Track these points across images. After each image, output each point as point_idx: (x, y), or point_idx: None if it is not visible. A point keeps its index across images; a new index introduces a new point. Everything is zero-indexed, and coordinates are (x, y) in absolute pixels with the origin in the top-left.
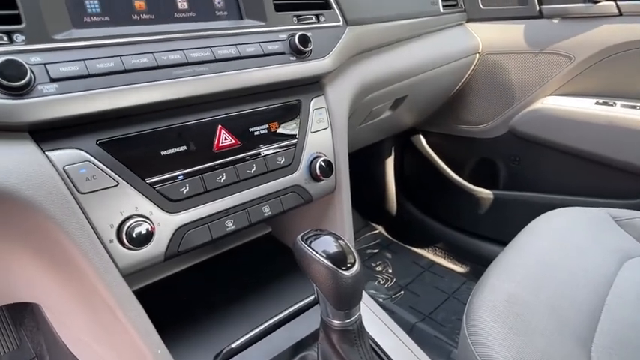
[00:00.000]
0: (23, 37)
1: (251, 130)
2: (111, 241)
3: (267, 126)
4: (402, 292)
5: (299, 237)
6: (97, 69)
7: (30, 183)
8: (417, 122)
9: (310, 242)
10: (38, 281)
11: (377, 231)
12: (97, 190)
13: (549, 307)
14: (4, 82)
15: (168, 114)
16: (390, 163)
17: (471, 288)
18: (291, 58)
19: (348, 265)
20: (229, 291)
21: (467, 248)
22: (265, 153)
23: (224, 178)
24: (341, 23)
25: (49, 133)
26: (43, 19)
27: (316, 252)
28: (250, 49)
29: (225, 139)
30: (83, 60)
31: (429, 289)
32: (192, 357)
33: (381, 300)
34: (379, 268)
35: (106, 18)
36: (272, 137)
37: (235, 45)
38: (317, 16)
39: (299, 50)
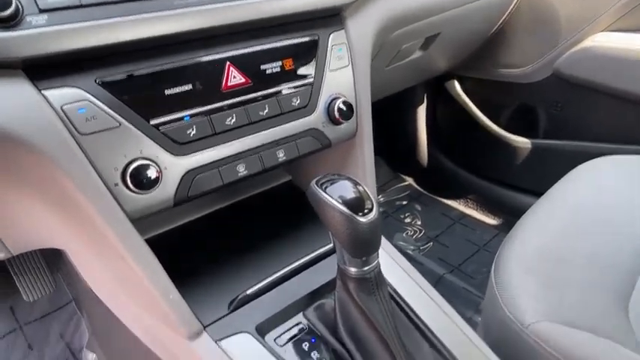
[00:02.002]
0: None
1: (263, 67)
2: (116, 184)
3: (280, 63)
4: (431, 243)
5: (314, 182)
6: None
7: (27, 123)
8: (451, 66)
9: (326, 187)
10: (54, 227)
11: (406, 183)
12: (99, 132)
13: (586, 261)
14: None
15: (171, 50)
16: (421, 112)
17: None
18: None
19: (365, 211)
20: (245, 239)
21: (500, 200)
22: (279, 93)
23: (234, 119)
24: None
25: (44, 70)
26: None
27: (331, 197)
28: None
29: (235, 77)
30: None
31: (459, 241)
32: (207, 303)
33: (409, 252)
34: (408, 220)
35: None
36: (286, 76)
37: None
38: None
39: None
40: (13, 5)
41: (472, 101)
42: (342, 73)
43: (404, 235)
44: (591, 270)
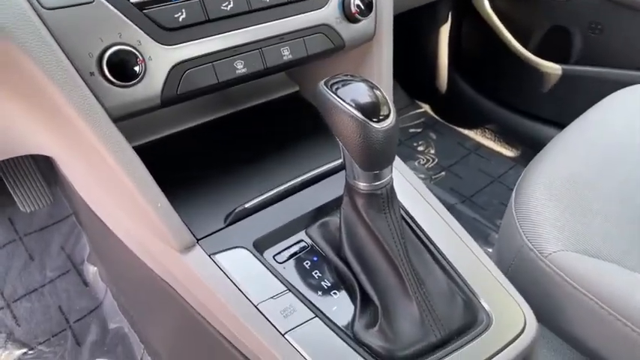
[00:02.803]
0: None
1: None
2: (91, 73)
3: None
4: (444, 173)
5: (322, 82)
6: None
7: None
8: None
9: (337, 89)
10: (36, 130)
11: (422, 110)
12: (67, 7)
13: (616, 190)
14: None
15: None
16: (443, 32)
17: (519, 173)
18: None
19: (381, 117)
20: (246, 152)
21: (521, 130)
22: None
23: (231, 4)
24: None
25: None
26: None
27: (342, 100)
28: None
29: None
30: None
31: (472, 171)
32: (201, 216)
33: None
34: (421, 148)
35: None
36: None
37: None
38: None
39: None
40: None
41: (501, 21)
42: None
43: (416, 163)
44: (620, 200)
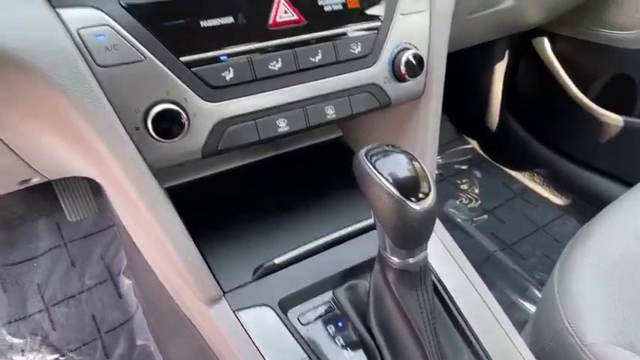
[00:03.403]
0: None
1: (320, 3)
2: (136, 128)
3: (343, 0)
4: (486, 215)
5: (362, 152)
6: None
7: (34, 46)
8: (543, 20)
9: (375, 160)
10: (79, 162)
11: (469, 146)
12: (119, 65)
13: None
14: None
15: None
16: (499, 69)
17: (567, 224)
18: None
19: (420, 195)
20: (282, 199)
21: (572, 178)
22: (337, 37)
23: (279, 64)
24: None
25: None
26: None
27: (380, 174)
28: None
29: (285, 12)
30: None
31: (517, 217)
32: (230, 267)
33: (459, 221)
34: (464, 187)
35: None
36: (348, 16)
37: None
38: None
39: None
40: None
41: (561, 64)
42: (417, 18)
43: (457, 202)
44: None
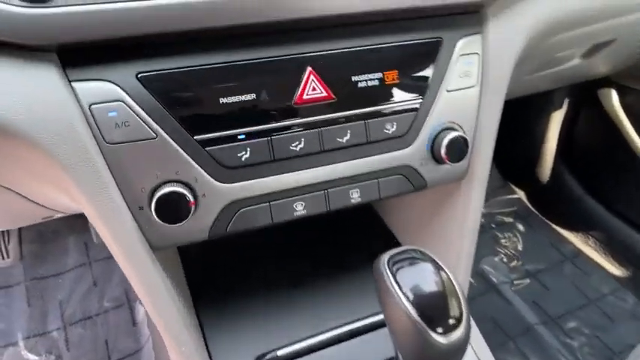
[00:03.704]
0: None
1: (355, 79)
2: (140, 207)
3: (380, 75)
4: (528, 280)
5: (385, 258)
6: None
7: (39, 121)
8: (611, 72)
9: (397, 269)
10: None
11: (515, 196)
12: (129, 142)
13: None
14: None
15: (236, 44)
16: (556, 117)
17: (625, 300)
18: None
19: (449, 323)
20: (294, 270)
21: (634, 247)
22: (370, 116)
23: (301, 145)
24: None
25: (81, 56)
26: None
27: (401, 291)
28: None
29: (314, 88)
30: None
31: (565, 285)
32: (231, 351)
33: (496, 282)
34: (505, 242)
35: None
36: (384, 93)
37: None
38: None
39: None
40: None
41: (629, 118)
42: (465, 95)
43: (496, 259)
44: None
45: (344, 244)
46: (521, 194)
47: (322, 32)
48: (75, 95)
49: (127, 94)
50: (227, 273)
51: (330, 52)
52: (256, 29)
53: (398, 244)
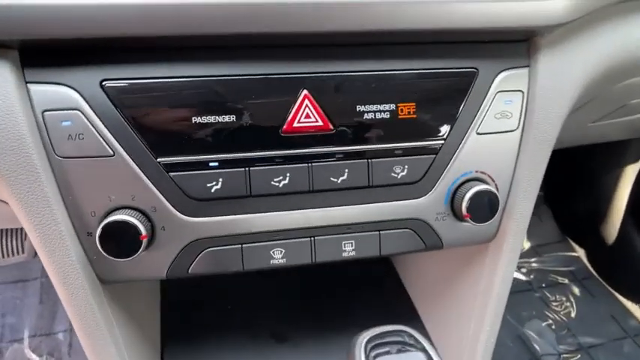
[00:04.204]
0: None
1: (360, 108)
2: (89, 234)
3: (392, 107)
4: (579, 355)
5: (363, 339)
6: None
7: None
8: None
9: (376, 356)
10: None
11: (574, 254)
12: (82, 157)
13: None
14: None
15: (221, 55)
16: (628, 172)
17: None
18: None
19: None
20: (283, 329)
21: None
22: (374, 154)
23: (286, 181)
24: None
25: (43, 56)
26: None
27: None
28: None
29: (308, 115)
30: None
31: None
32: None
33: (539, 351)
34: (557, 306)
35: None
36: (396, 128)
37: None
38: None
39: None
40: None
41: None
42: (500, 140)
43: (543, 324)
44: None
45: (346, 295)
46: (580, 253)
47: (324, 50)
48: (29, 98)
49: (87, 102)
50: (210, 314)
51: (331, 73)
52: (248, 41)
53: (409, 304)
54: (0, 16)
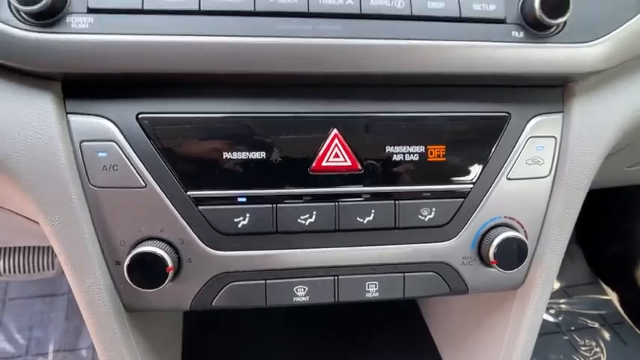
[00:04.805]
0: None
1: (389, 149)
2: (117, 262)
3: (422, 149)
4: None
5: None
6: (159, 3)
7: (22, 152)
8: None
9: None
10: None
11: (606, 297)
12: (115, 188)
13: None
14: (19, 6)
15: (254, 93)
16: None
17: None
18: (517, 34)
19: None
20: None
21: None
22: (402, 195)
23: (312, 219)
24: None
25: (84, 88)
26: None
27: None
28: (435, 4)
29: (337, 155)
30: None
31: None
32: None
33: None
34: (585, 351)
35: None
36: (425, 170)
37: None
38: None
39: (540, 22)
40: None
41: None
42: (531, 187)
43: None
44: None
45: (369, 333)
46: (612, 296)
47: (355, 90)
48: (69, 128)
49: (122, 134)
50: (231, 345)
51: (362, 114)
52: (280, 80)
53: (433, 348)
54: (47, 50)
